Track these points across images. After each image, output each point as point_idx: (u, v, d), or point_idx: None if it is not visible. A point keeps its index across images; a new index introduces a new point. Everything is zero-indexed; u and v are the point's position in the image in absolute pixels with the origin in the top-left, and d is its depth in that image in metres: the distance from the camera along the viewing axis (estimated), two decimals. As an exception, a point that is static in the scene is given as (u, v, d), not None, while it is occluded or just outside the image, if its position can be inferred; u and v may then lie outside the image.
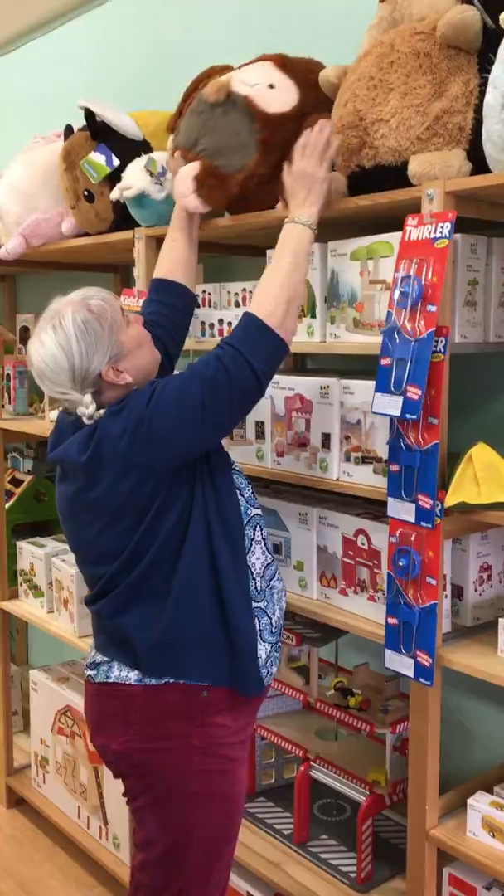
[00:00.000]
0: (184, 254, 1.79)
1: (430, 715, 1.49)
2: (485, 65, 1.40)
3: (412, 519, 1.45)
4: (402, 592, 1.48)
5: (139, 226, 2.05)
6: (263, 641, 1.58)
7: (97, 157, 2.06)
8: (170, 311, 1.76)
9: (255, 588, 1.58)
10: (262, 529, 1.62)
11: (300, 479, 1.74)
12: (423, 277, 1.39)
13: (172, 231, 1.81)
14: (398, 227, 1.46)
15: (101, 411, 1.49)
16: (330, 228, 1.76)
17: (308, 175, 1.55)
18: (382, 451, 1.56)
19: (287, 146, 1.61)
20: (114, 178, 2.04)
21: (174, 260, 1.79)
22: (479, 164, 1.40)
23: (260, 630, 1.58)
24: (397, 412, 1.41)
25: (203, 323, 1.90)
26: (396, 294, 1.42)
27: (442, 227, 1.38)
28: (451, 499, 1.40)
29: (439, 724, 1.51)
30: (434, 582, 1.44)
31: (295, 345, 1.78)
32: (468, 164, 1.41)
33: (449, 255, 1.38)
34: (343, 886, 1.79)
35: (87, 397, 1.49)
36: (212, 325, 1.88)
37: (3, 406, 2.93)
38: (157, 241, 2.03)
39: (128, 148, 2.06)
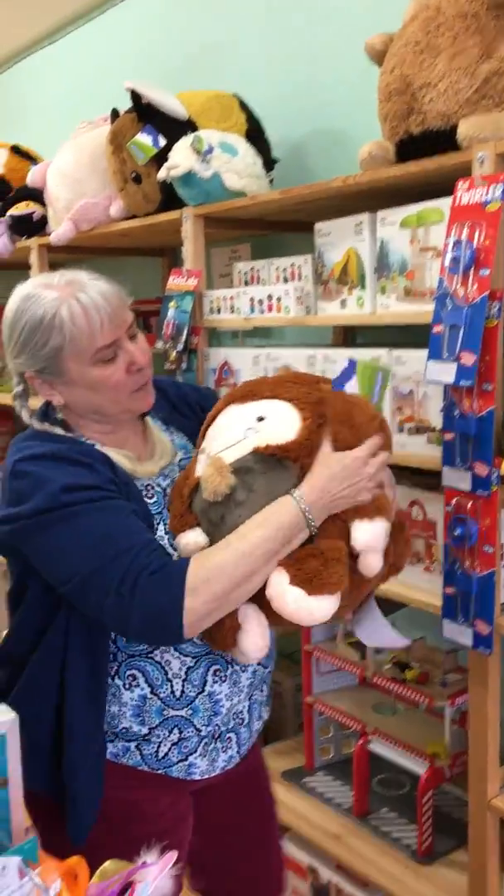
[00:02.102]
0: None
1: (490, 684, 1.48)
2: (535, 22, 1.37)
3: (468, 487, 1.44)
4: (459, 562, 1.47)
5: (186, 205, 2.06)
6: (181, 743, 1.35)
7: (144, 138, 2.07)
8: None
9: (172, 692, 1.32)
10: None
11: (353, 452, 1.73)
12: (476, 241, 1.37)
13: None
14: (448, 193, 1.44)
15: (33, 420, 1.36)
16: (379, 197, 1.74)
17: (356, 477, 1.22)
18: (436, 421, 1.54)
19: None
20: (161, 158, 2.05)
21: None
22: (530, 124, 1.38)
23: (181, 739, 1.35)
24: (451, 379, 1.39)
25: (252, 299, 1.90)
26: (448, 259, 1.40)
27: (494, 190, 1.35)
28: (507, 465, 1.38)
29: (499, 693, 1.50)
30: (491, 550, 1.42)
31: (345, 318, 1.78)
32: (519, 125, 1.39)
33: (501, 217, 1.36)
34: (404, 859, 1.79)
35: (17, 384, 1.37)
36: (261, 302, 1.88)
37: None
38: (205, 220, 2.05)
39: (174, 128, 2.07)
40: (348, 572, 1.21)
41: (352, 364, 1.31)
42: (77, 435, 1.36)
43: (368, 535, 1.23)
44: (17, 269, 3.02)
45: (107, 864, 0.77)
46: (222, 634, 1.23)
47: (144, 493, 1.35)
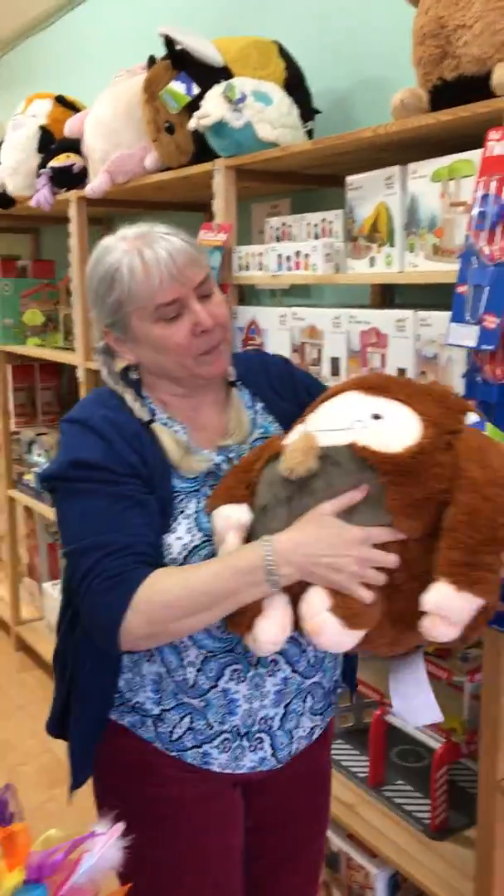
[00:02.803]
0: None
1: (503, 662, 1.42)
2: None
3: (488, 457, 1.37)
4: (477, 535, 1.40)
5: (219, 157, 1.99)
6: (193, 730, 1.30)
7: (177, 86, 2.01)
8: None
9: (185, 679, 1.27)
10: None
11: (377, 416, 1.67)
12: (504, 196, 1.28)
13: None
14: (483, 145, 1.35)
15: (109, 377, 1.33)
16: (415, 149, 1.66)
17: (343, 551, 1.07)
18: (459, 387, 1.47)
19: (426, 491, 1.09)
20: (195, 107, 1.99)
21: None
22: None
23: (192, 729, 1.29)
24: (473, 343, 1.32)
25: (280, 256, 1.83)
26: (475, 214, 1.32)
27: (526, 140, 1.26)
28: (529, 436, 1.31)
29: (513, 673, 1.44)
30: (509, 524, 1.35)
31: (373, 276, 1.70)
32: None
33: (533, 170, 1.27)
34: (416, 832, 1.76)
35: (99, 338, 1.35)
36: (288, 258, 1.81)
37: (94, 349, 2.96)
38: (238, 173, 1.98)
39: (209, 75, 2.00)
40: (407, 624, 1.10)
41: (481, 423, 1.20)
42: (146, 399, 1.32)
43: (442, 604, 1.04)
44: (61, 222, 3.01)
45: (51, 831, 0.75)
46: (241, 614, 1.15)
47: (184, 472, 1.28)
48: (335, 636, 1.08)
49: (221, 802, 1.36)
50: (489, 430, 1.18)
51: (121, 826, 0.75)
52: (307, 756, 1.40)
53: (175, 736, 1.30)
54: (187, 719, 1.29)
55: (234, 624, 1.18)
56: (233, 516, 1.19)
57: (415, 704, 1.21)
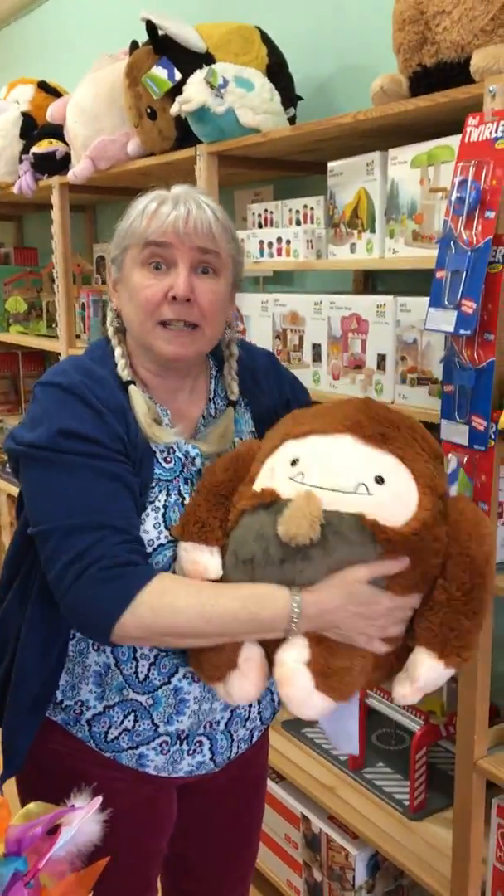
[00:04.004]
0: None
1: (480, 645, 1.44)
2: None
3: (465, 442, 1.38)
4: (455, 518, 1.42)
5: (201, 143, 1.99)
6: (134, 734, 1.24)
7: (159, 72, 2.00)
8: None
9: (136, 672, 1.22)
10: None
11: (357, 402, 1.68)
12: (482, 181, 1.29)
13: None
14: (462, 131, 1.36)
15: (109, 326, 1.28)
16: (395, 135, 1.66)
17: (370, 620, 1.06)
18: (438, 372, 1.48)
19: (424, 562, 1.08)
20: (177, 93, 1.98)
21: None
22: (547, 54, 1.29)
23: (134, 729, 1.24)
24: (451, 328, 1.33)
25: (262, 242, 1.84)
26: (453, 199, 1.33)
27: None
28: (506, 420, 1.32)
29: (490, 653, 1.46)
30: (487, 507, 1.37)
31: (354, 262, 1.71)
32: (536, 56, 1.30)
33: (510, 156, 1.28)
34: (395, 813, 1.78)
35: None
36: (270, 244, 1.82)
37: (79, 336, 2.96)
38: (220, 159, 1.98)
39: (191, 61, 1.99)
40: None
41: (455, 473, 1.18)
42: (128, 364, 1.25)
43: (431, 680, 1.08)
44: (44, 209, 3.00)
45: (31, 805, 0.76)
46: (213, 666, 1.13)
47: (164, 453, 1.22)
48: (304, 691, 1.05)
49: (155, 807, 1.32)
50: (460, 478, 1.18)
51: (98, 800, 0.76)
52: (245, 759, 1.38)
53: (111, 736, 1.24)
54: (130, 719, 1.23)
55: (205, 674, 1.15)
56: (200, 563, 1.14)
57: (341, 731, 1.21)
